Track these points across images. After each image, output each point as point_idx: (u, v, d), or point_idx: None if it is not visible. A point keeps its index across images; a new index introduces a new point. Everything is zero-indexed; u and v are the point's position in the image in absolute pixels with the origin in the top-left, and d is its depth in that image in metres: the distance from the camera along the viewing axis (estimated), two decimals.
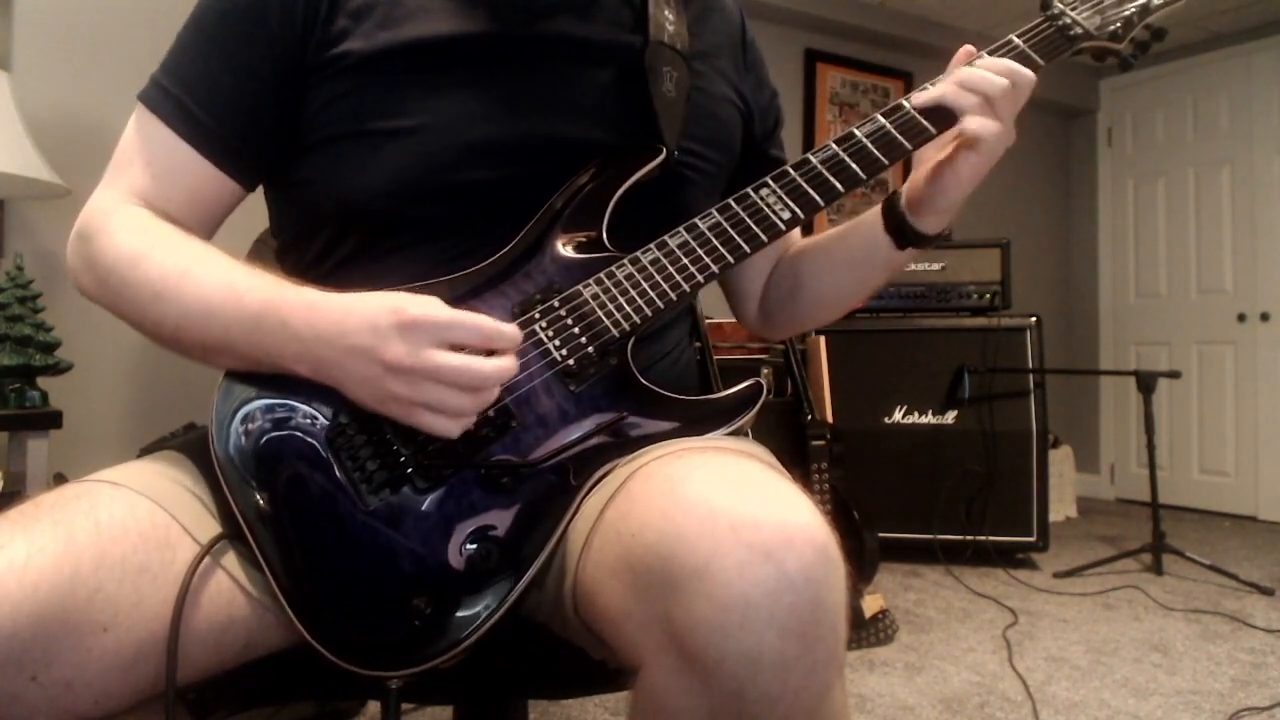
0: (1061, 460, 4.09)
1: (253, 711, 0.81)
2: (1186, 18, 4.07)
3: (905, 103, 0.83)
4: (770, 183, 0.82)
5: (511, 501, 0.71)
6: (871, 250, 0.91)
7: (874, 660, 2.19)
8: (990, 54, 0.84)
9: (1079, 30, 0.87)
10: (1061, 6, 0.88)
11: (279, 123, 0.81)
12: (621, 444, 0.74)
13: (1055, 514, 3.87)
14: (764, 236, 0.80)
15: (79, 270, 0.79)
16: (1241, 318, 4.22)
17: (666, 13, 0.89)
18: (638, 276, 0.78)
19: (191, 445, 0.78)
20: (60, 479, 1.92)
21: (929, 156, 0.85)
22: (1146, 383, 3.11)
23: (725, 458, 0.68)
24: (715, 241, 0.80)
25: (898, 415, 3.16)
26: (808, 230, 1.01)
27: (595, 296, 0.77)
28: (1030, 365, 3.10)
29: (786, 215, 0.81)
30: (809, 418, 2.44)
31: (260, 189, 0.88)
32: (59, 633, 0.59)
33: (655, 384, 0.77)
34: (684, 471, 0.64)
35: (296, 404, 0.72)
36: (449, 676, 0.70)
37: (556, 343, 0.75)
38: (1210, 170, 4.38)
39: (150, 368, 2.45)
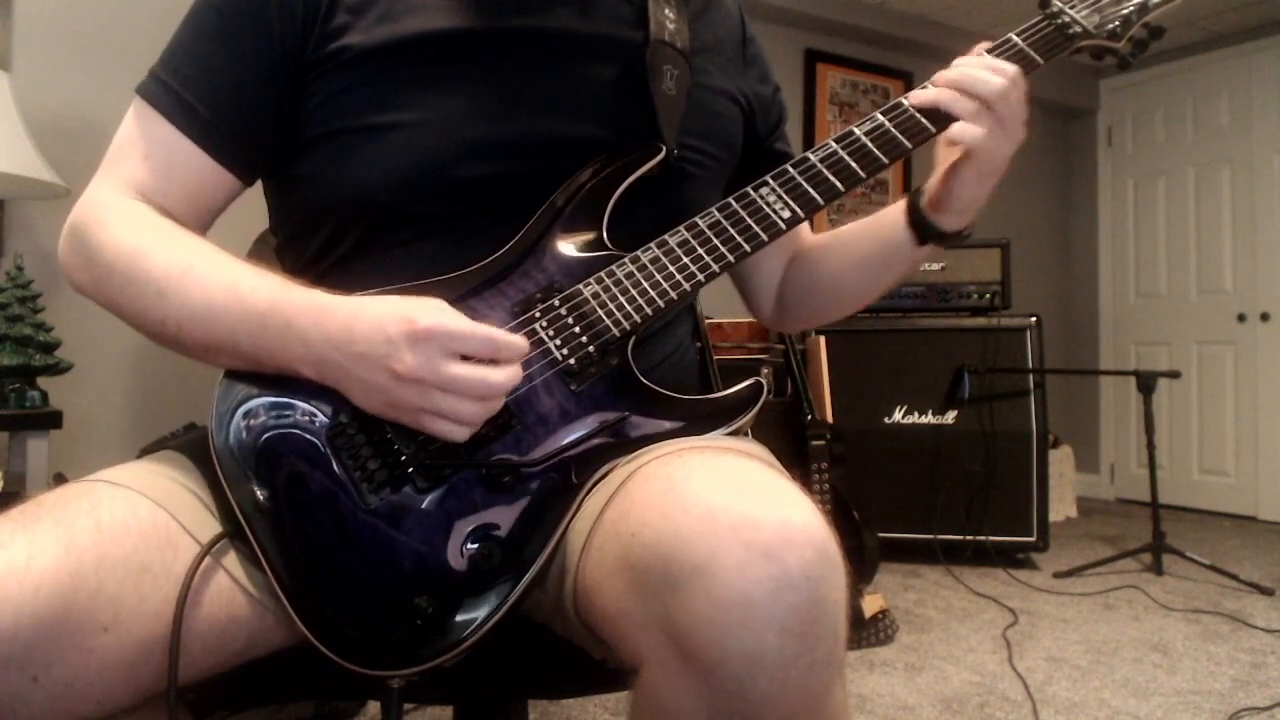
0: (1061, 460, 4.09)
1: (253, 711, 0.81)
2: (1186, 18, 4.07)
3: (905, 101, 0.83)
4: (770, 181, 0.82)
5: (513, 501, 0.71)
6: (894, 246, 0.91)
7: (874, 660, 2.19)
8: (989, 53, 0.84)
9: (1078, 29, 0.87)
10: (1060, 5, 0.88)
11: (278, 117, 0.81)
12: (622, 443, 0.74)
13: (1055, 514, 3.87)
14: (764, 235, 0.80)
15: (74, 265, 0.78)
16: (1241, 318, 4.22)
17: (667, 10, 0.89)
18: (638, 275, 0.78)
19: (192, 445, 0.78)
20: (60, 479, 1.92)
21: (945, 156, 0.85)
22: (1146, 383, 3.11)
23: (725, 457, 0.68)
24: (715, 240, 0.80)
25: (898, 415, 3.16)
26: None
27: (596, 295, 0.77)
28: (1030, 365, 3.10)
29: (787, 214, 0.81)
30: (809, 418, 2.44)
31: (257, 186, 0.88)
32: (60, 633, 0.59)
33: (656, 384, 0.77)
34: (684, 471, 0.64)
35: (298, 402, 0.72)
36: (449, 676, 0.70)
37: (557, 342, 0.75)
38: (1210, 170, 4.38)
39: (150, 368, 2.45)
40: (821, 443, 2.34)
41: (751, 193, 0.82)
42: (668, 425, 0.76)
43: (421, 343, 0.66)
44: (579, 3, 0.85)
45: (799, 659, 0.54)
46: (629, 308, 0.77)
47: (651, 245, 0.79)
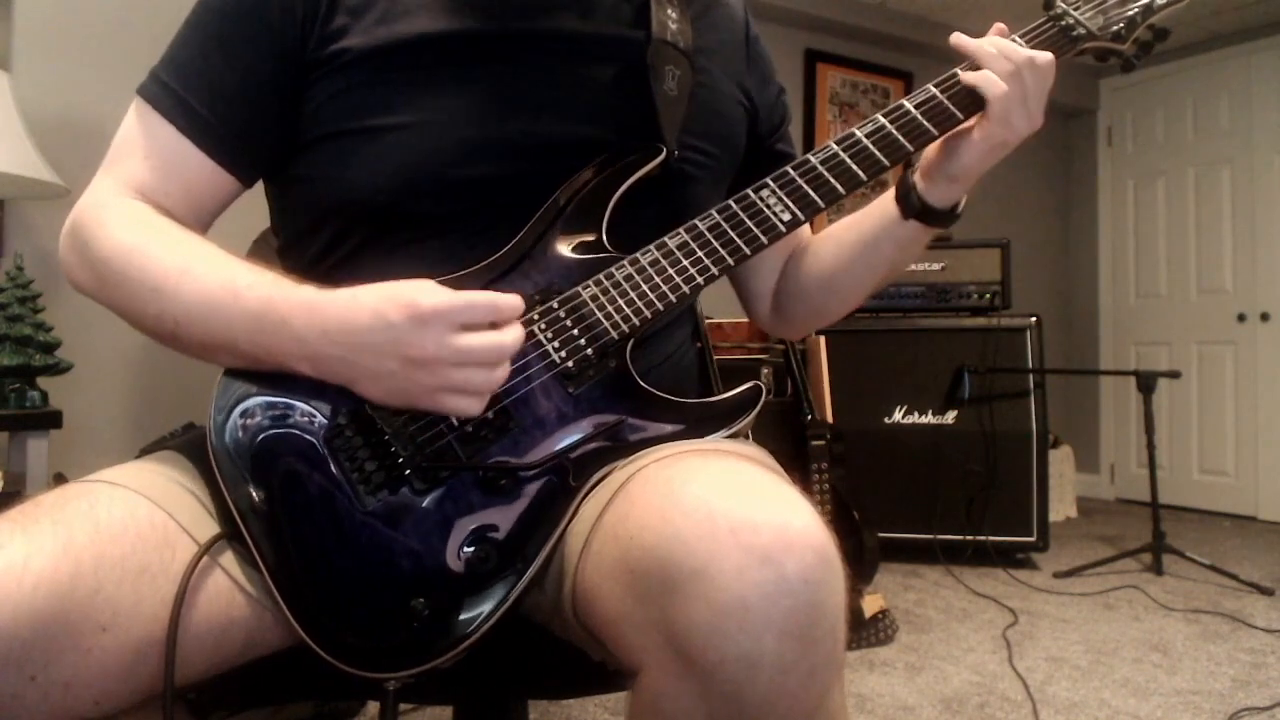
0: (1061, 460, 4.09)
1: (252, 711, 0.81)
2: (1187, 18, 4.07)
3: (906, 103, 0.83)
4: (770, 183, 0.82)
5: (510, 503, 0.71)
6: (883, 227, 0.89)
7: (874, 660, 2.19)
8: None
9: (1082, 30, 0.87)
10: (1064, 6, 0.87)
11: (278, 118, 0.81)
12: (620, 446, 0.74)
13: (1055, 514, 3.87)
14: (764, 238, 0.80)
15: (73, 263, 0.78)
16: (1241, 318, 4.22)
17: (669, 10, 0.88)
18: (637, 278, 0.78)
19: (190, 445, 0.78)
20: (60, 479, 1.92)
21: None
22: (1146, 383, 3.11)
23: (724, 461, 0.67)
24: (715, 243, 0.80)
25: (898, 415, 3.16)
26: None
27: (594, 298, 0.77)
28: (1030, 365, 3.10)
29: (787, 216, 0.81)
30: (809, 418, 2.44)
31: (257, 186, 0.88)
32: (58, 633, 0.59)
33: (655, 387, 0.77)
34: (683, 474, 0.64)
35: (295, 402, 0.72)
36: (448, 677, 0.70)
37: (555, 344, 0.75)
38: (1210, 170, 4.38)
39: (150, 368, 2.45)
40: (821, 443, 2.34)
41: (751, 195, 0.82)
42: (666, 428, 0.76)
43: (428, 323, 0.66)
44: (579, 4, 0.85)
45: (797, 663, 0.54)
46: (627, 310, 0.77)
47: (651, 247, 0.79)
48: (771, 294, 1.03)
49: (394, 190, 0.79)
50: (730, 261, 0.79)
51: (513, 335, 0.69)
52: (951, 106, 0.81)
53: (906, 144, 0.81)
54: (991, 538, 3.02)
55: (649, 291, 0.77)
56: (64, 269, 0.79)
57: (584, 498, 0.72)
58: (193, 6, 0.82)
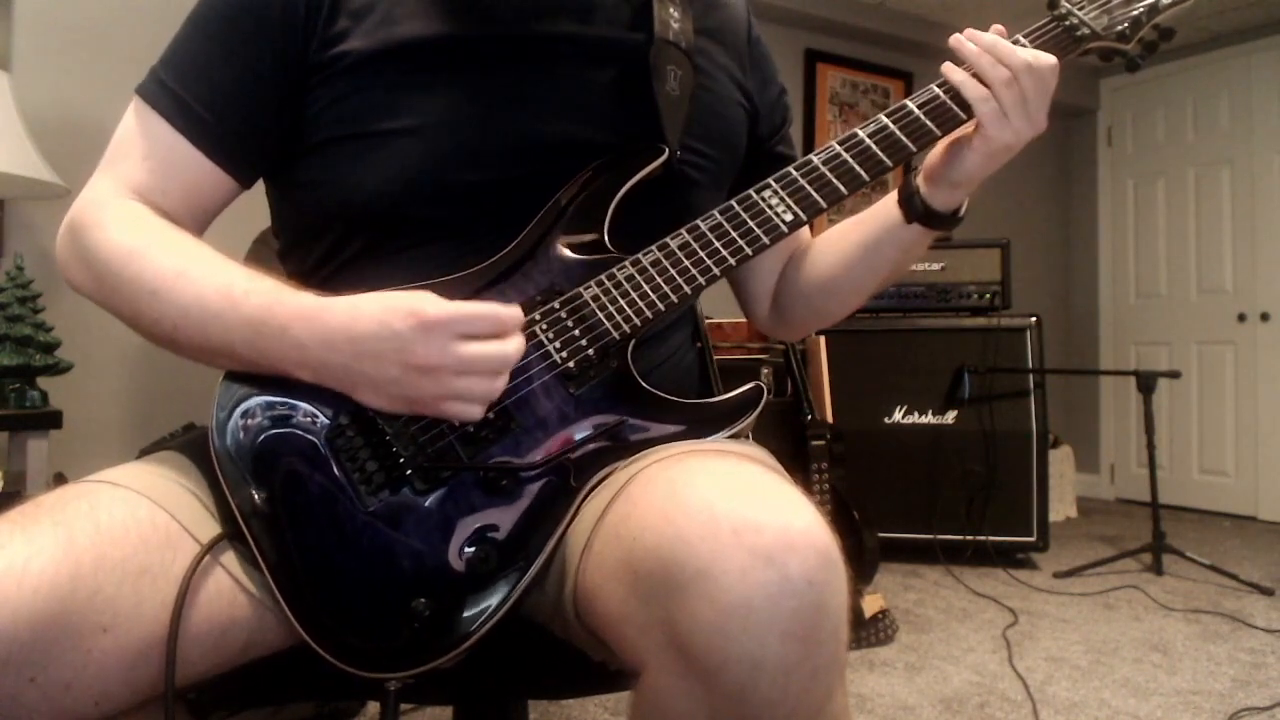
0: (1061, 460, 4.09)
1: (252, 711, 0.81)
2: (1187, 17, 4.05)
3: (909, 103, 0.82)
4: (773, 184, 0.82)
5: (511, 503, 0.71)
6: (885, 230, 0.89)
7: (874, 660, 2.19)
8: None
9: (1086, 30, 0.86)
10: (1068, 6, 0.87)
11: (279, 120, 0.81)
12: (621, 447, 0.74)
13: (1055, 514, 3.87)
14: (766, 238, 0.80)
15: (70, 264, 0.78)
16: (1241, 318, 4.22)
17: (671, 10, 0.88)
18: (638, 278, 0.78)
19: (191, 445, 0.78)
20: (60, 479, 1.92)
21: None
22: (1146, 383, 3.11)
23: (727, 461, 0.67)
24: (717, 243, 0.80)
25: (898, 415, 3.16)
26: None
27: (596, 298, 0.77)
28: (1030, 365, 3.10)
29: (789, 217, 0.81)
30: (809, 418, 2.43)
31: (256, 186, 0.88)
32: (58, 634, 0.58)
33: (655, 387, 0.77)
34: (685, 475, 0.63)
35: (297, 403, 0.72)
36: (449, 677, 0.70)
37: (557, 345, 0.75)
38: (1210, 170, 4.38)
39: (150, 368, 2.45)
40: (821, 443, 2.34)
41: (754, 195, 0.82)
42: (667, 429, 0.76)
43: (432, 332, 0.66)
44: (579, 6, 0.85)
45: (800, 664, 0.54)
46: (629, 310, 0.77)
47: (652, 248, 0.79)
48: (770, 295, 1.03)
49: (395, 195, 0.79)
50: (732, 261, 0.79)
51: (514, 345, 0.69)
52: (954, 106, 0.81)
53: (909, 144, 0.81)
54: (991, 538, 3.02)
55: (650, 292, 0.77)
56: (61, 268, 0.79)
57: (585, 498, 0.72)
58: (193, 6, 0.82)
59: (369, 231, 0.81)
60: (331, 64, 0.79)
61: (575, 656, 0.76)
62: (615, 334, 0.76)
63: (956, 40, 0.81)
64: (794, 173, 0.82)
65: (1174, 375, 3.24)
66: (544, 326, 0.75)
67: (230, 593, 0.69)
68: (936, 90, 0.82)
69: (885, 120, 0.82)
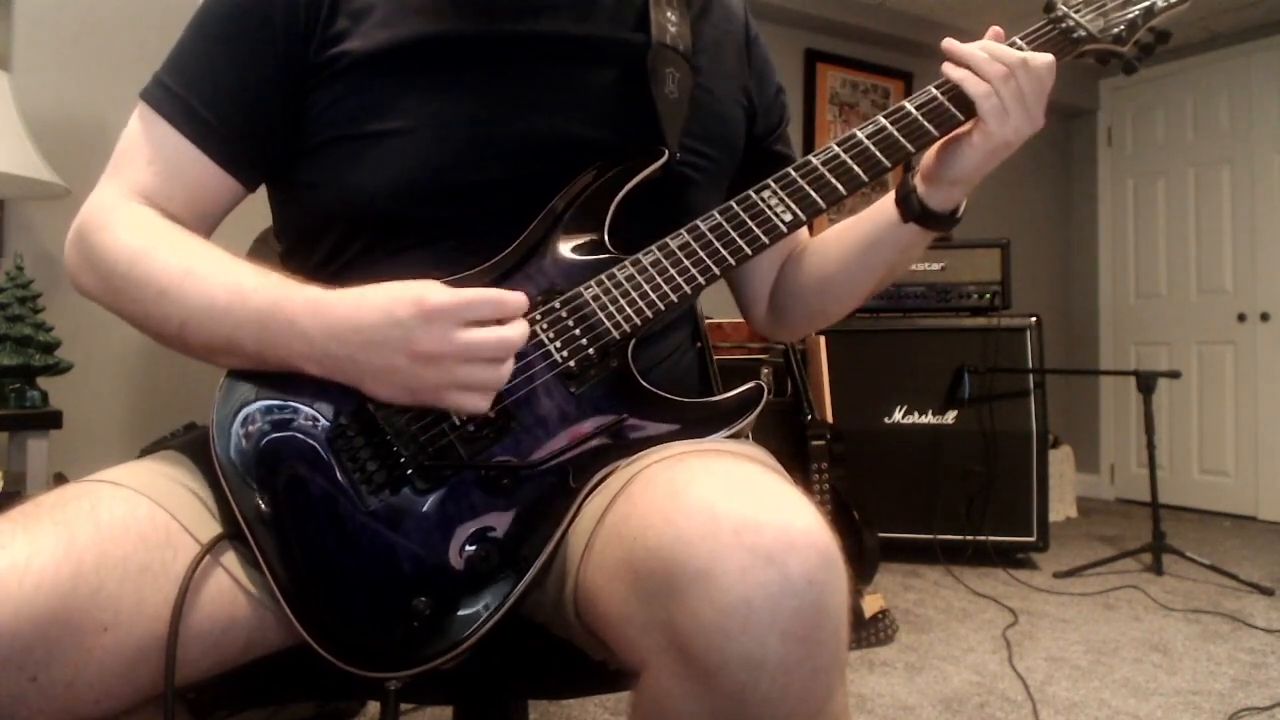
0: (1061, 460, 4.09)
1: (253, 711, 0.81)
2: (1187, 18, 4.06)
3: (907, 104, 0.83)
4: (772, 184, 0.82)
5: (511, 503, 0.71)
6: (882, 230, 0.89)
7: (874, 660, 2.19)
8: None
9: (1082, 33, 0.86)
10: (1064, 9, 0.87)
11: (282, 122, 0.81)
12: (622, 446, 0.74)
13: (1055, 514, 3.87)
14: (765, 238, 0.80)
15: (78, 267, 0.78)
16: (1241, 318, 4.22)
17: (669, 14, 0.88)
18: (638, 278, 0.78)
19: (192, 445, 0.78)
20: (60, 479, 1.92)
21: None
22: (1146, 383, 3.11)
23: (727, 461, 0.67)
24: (716, 243, 0.80)
25: (898, 415, 3.16)
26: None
27: (596, 298, 0.77)
28: (1030, 365, 3.10)
29: (788, 217, 0.81)
30: (809, 418, 2.44)
31: (260, 189, 0.88)
32: (59, 633, 0.59)
33: (655, 386, 0.77)
34: (686, 475, 0.64)
35: (297, 405, 0.72)
36: (449, 677, 0.70)
37: (557, 344, 0.75)
38: (1210, 170, 4.38)
39: (150, 368, 2.45)
40: (821, 443, 2.34)
41: (753, 195, 0.82)
42: (668, 428, 0.76)
43: (435, 319, 0.66)
44: (579, 6, 0.85)
45: (801, 664, 0.54)
46: (629, 310, 0.77)
47: (652, 248, 0.79)
48: (768, 296, 1.03)
49: (395, 195, 0.79)
50: (732, 261, 0.79)
51: (518, 330, 0.69)
52: (952, 107, 0.81)
53: (908, 145, 0.81)
54: (991, 538, 3.02)
55: (650, 291, 0.77)
56: (70, 274, 0.80)
57: (586, 498, 0.72)
58: (196, 11, 0.82)
59: (370, 232, 0.81)
60: (331, 65, 0.79)
61: (575, 656, 0.76)
62: (615, 333, 0.76)
63: (950, 42, 0.82)
64: (793, 173, 0.82)
65: (1174, 375, 3.24)
66: (544, 326, 0.76)
67: (230, 592, 0.69)
68: (935, 92, 0.82)
69: (883, 121, 0.82)
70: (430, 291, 0.67)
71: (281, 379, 0.72)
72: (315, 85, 0.80)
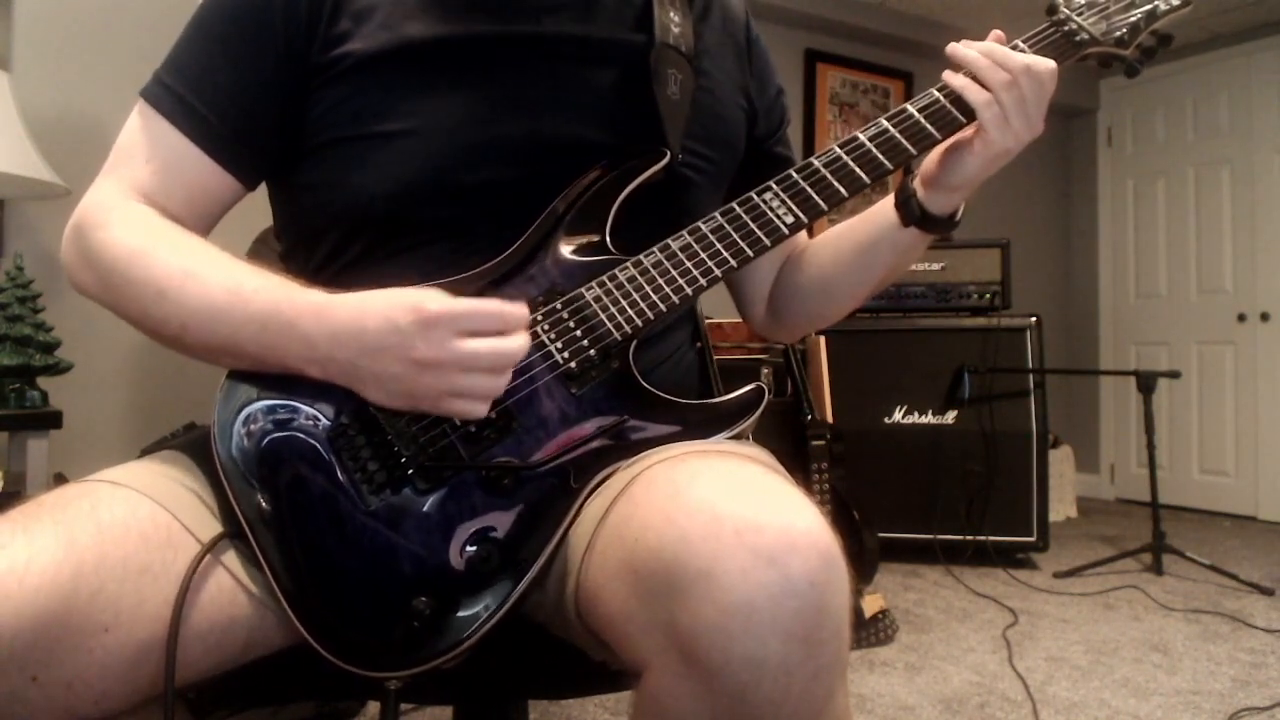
0: (1061, 460, 4.09)
1: (253, 711, 0.81)
2: (1187, 18, 4.06)
3: (909, 107, 0.83)
4: (774, 186, 0.82)
5: (512, 504, 0.71)
6: (881, 232, 0.89)
7: (874, 660, 2.19)
8: None
9: (1085, 36, 0.86)
10: (1067, 12, 0.87)
11: (281, 121, 0.81)
12: (622, 447, 0.74)
13: (1055, 514, 3.87)
14: (767, 240, 0.80)
15: (76, 265, 0.78)
16: (1241, 318, 4.22)
17: (671, 14, 0.88)
18: (640, 279, 0.78)
19: (192, 445, 0.78)
20: (60, 479, 1.92)
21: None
22: (1146, 383, 3.12)
23: (728, 462, 0.67)
24: (718, 245, 0.80)
25: (898, 415, 3.16)
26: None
27: (597, 299, 0.77)
28: (1030, 365, 3.10)
29: (790, 219, 0.81)
30: (809, 418, 2.44)
31: (260, 188, 0.88)
32: (60, 634, 0.59)
33: (656, 387, 0.77)
34: (687, 475, 0.64)
35: (298, 405, 0.72)
36: (449, 676, 0.70)
37: (559, 345, 0.75)
38: (1210, 170, 4.38)
39: (150, 368, 2.45)
40: (821, 443, 2.34)
41: (754, 197, 0.82)
42: (668, 429, 0.76)
43: (434, 327, 0.66)
44: (580, 7, 0.85)
45: (802, 664, 0.54)
46: (630, 311, 0.77)
47: (654, 249, 0.79)
48: (767, 297, 1.03)
49: (396, 196, 0.79)
50: (733, 263, 0.79)
51: (518, 342, 0.69)
52: (954, 110, 0.81)
53: (910, 147, 0.81)
54: (991, 538, 3.02)
55: (652, 293, 0.77)
56: (67, 271, 0.79)
57: (587, 498, 0.72)
58: (196, 9, 0.82)
59: (371, 233, 0.81)
60: (333, 65, 0.79)
61: (575, 656, 0.76)
62: (617, 334, 0.76)
63: (953, 48, 0.82)
64: (794, 175, 0.82)
65: (1174, 375, 3.24)
66: (546, 327, 0.76)
67: (231, 592, 0.69)
68: (936, 94, 0.82)
69: (885, 124, 0.82)
70: (429, 299, 0.67)
71: (283, 379, 0.72)
72: (317, 86, 0.80)
